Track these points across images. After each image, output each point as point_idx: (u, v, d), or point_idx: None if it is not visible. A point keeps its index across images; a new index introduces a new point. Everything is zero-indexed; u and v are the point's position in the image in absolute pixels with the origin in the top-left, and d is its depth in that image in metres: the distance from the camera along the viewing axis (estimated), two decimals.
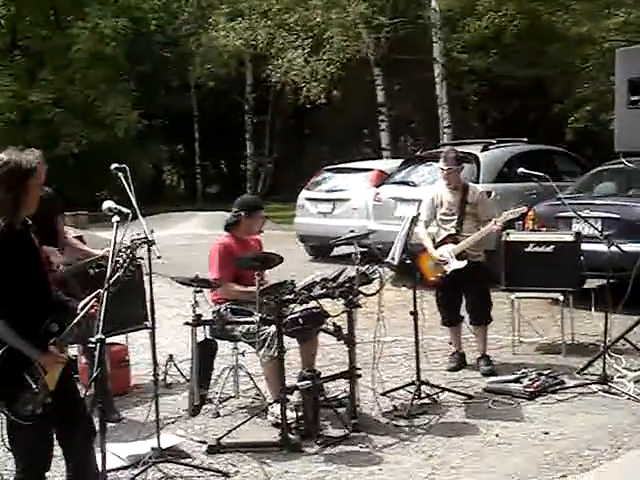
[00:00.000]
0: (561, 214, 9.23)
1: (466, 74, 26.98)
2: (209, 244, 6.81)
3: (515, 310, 7.98)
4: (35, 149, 6.19)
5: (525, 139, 12.61)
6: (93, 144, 23.64)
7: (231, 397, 6.52)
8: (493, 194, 10.76)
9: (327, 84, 22.04)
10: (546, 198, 9.71)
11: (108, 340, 6.80)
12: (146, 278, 6.99)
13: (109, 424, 6.12)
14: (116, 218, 4.00)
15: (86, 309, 4.06)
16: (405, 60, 24.09)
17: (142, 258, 7.39)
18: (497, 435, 5.70)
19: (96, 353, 3.57)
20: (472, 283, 7.24)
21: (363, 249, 7.81)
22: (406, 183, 11.70)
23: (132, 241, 4.84)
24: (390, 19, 21.99)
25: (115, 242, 3.96)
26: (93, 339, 3.59)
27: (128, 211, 4.16)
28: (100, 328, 3.64)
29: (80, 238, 7.06)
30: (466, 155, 11.28)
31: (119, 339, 7.23)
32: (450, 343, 7.66)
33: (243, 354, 6.50)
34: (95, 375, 3.56)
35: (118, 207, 4.06)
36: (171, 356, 7.31)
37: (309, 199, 14.16)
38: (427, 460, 5.32)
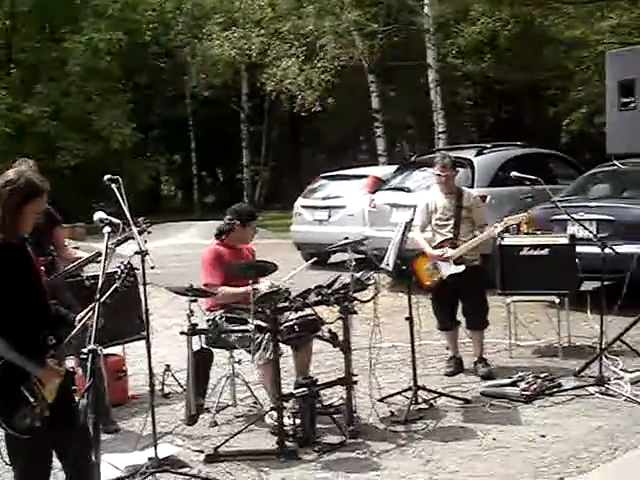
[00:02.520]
0: (556, 217, 9.24)
1: (461, 79, 27.07)
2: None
3: (511, 314, 7.98)
4: (29, 160, 6.26)
5: (519, 143, 12.64)
6: (90, 156, 23.68)
7: (228, 406, 6.54)
8: (488, 198, 10.78)
9: (321, 92, 22.10)
10: (541, 201, 9.73)
11: (105, 351, 6.88)
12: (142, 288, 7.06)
13: (107, 435, 6.19)
14: (107, 229, 4.01)
15: (83, 322, 4.07)
16: (399, 66, 24.19)
17: (137, 269, 7.44)
18: (494, 439, 5.70)
19: (88, 364, 3.56)
20: (468, 287, 7.25)
21: (360, 256, 7.84)
22: (401, 189, 11.72)
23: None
24: (383, 26, 22.07)
25: (106, 252, 3.96)
26: (85, 350, 3.58)
27: (118, 222, 4.18)
28: (93, 339, 3.63)
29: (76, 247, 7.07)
30: (461, 160, 11.36)
31: (116, 350, 7.24)
32: (447, 348, 7.67)
33: (239, 362, 6.51)
34: (88, 385, 3.55)
35: (109, 218, 4.08)
36: (168, 366, 7.30)
37: (305, 207, 14.17)
38: (425, 465, 5.32)
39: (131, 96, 28.98)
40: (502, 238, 7.83)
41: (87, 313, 4.09)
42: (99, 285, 3.83)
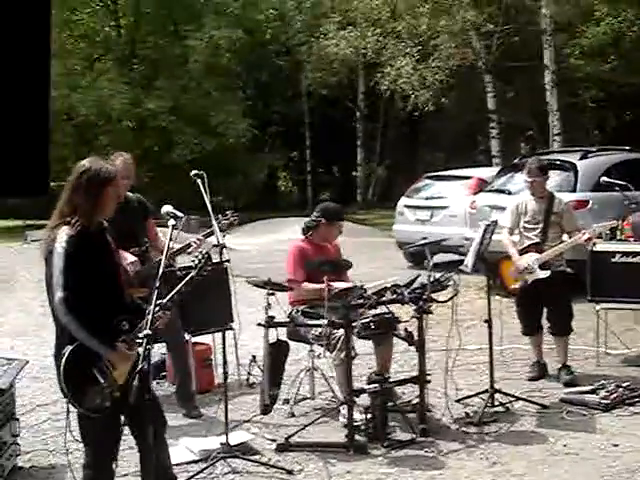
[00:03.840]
0: None
1: (583, 80, 26.47)
2: None
3: (601, 321, 7.86)
4: (125, 153, 6.58)
5: (627, 148, 12.33)
6: (206, 151, 24.34)
7: (307, 398, 6.70)
8: (590, 203, 10.60)
9: (435, 91, 22.05)
10: None
11: (193, 340, 7.17)
12: (232, 280, 7.31)
13: (190, 419, 6.46)
14: (172, 222, 4.23)
15: (153, 314, 4.27)
16: (518, 66, 23.85)
17: (229, 261, 7.72)
18: (565, 445, 5.67)
19: (141, 349, 3.76)
20: (553, 293, 7.18)
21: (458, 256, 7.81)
22: (502, 191, 11.63)
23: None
24: (501, 25, 21.84)
25: (169, 243, 4.18)
26: (141, 334, 3.79)
27: (182, 215, 4.39)
28: (149, 324, 3.84)
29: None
30: (564, 163, 11.21)
31: (206, 339, 7.51)
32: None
33: (319, 357, 6.65)
34: (140, 367, 3.76)
35: (174, 211, 4.30)
36: (254, 357, 7.51)
37: (408, 206, 14.21)
38: (490, 467, 5.35)
39: (251, 93, 29.66)
40: (594, 244, 7.71)
41: (157, 305, 4.31)
42: (159, 272, 4.01)
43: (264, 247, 17.63)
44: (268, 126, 33.10)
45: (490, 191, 12.05)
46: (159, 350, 7.38)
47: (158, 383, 7.39)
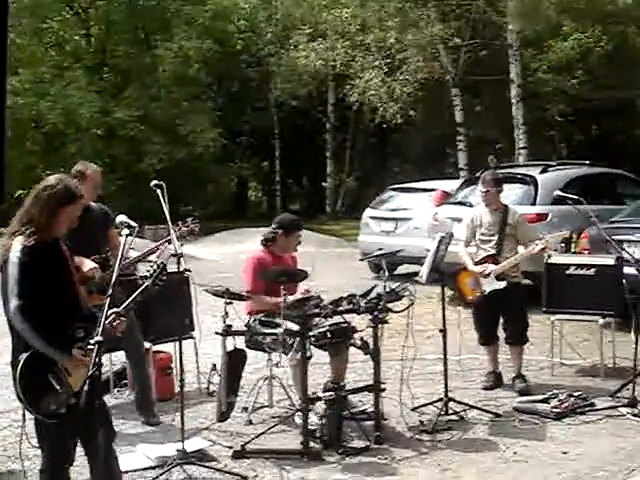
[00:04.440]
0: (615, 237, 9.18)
1: (551, 95, 26.81)
2: None
3: (556, 332, 8.02)
4: (88, 163, 6.65)
5: (587, 162, 12.56)
6: (175, 160, 24.38)
7: (265, 406, 6.79)
8: (550, 216, 10.80)
9: (404, 104, 22.26)
10: (604, 222, 9.67)
11: (154, 348, 7.23)
12: (191, 289, 7.39)
13: (149, 427, 6.53)
14: (125, 231, 4.32)
15: (107, 321, 4.35)
16: (486, 80, 24.15)
17: (189, 270, 7.78)
18: (515, 453, 5.81)
19: (93, 355, 3.84)
20: (509, 303, 7.34)
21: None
22: (464, 203, 11.79)
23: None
24: (468, 40, 22.11)
25: (122, 253, 4.27)
26: (92, 341, 3.87)
27: (135, 225, 4.48)
28: (100, 332, 3.92)
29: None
30: (524, 177, 11.42)
31: (166, 347, 7.56)
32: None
33: (277, 365, 6.74)
34: (90, 374, 3.83)
35: (128, 221, 4.39)
36: (214, 365, 7.58)
37: (373, 217, 14.37)
38: (441, 473, 5.48)
39: (221, 103, 29.71)
40: (549, 256, 7.89)
41: (111, 315, 4.38)
42: (112, 281, 4.10)
43: (231, 256, 17.68)
44: (238, 136, 33.22)
45: (452, 203, 12.22)
46: (120, 358, 7.43)
47: (119, 391, 7.44)
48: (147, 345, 7.11)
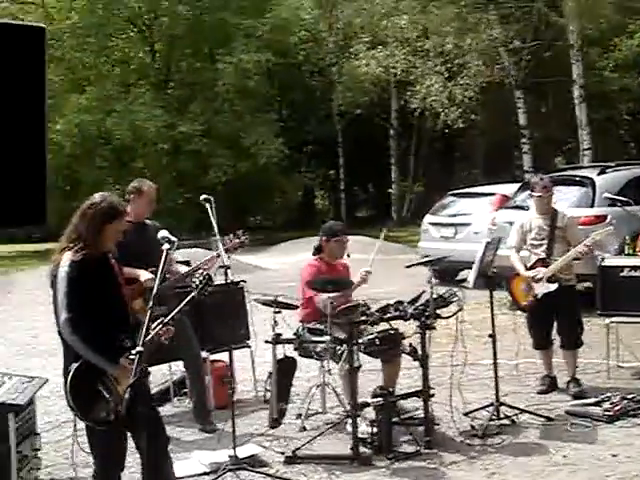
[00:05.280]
0: None
1: (617, 93, 26.46)
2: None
3: (611, 335, 7.96)
4: (146, 180, 6.89)
5: None
6: (240, 172, 24.74)
7: (318, 413, 6.91)
8: (609, 218, 10.68)
9: (465, 108, 22.22)
10: None
11: (211, 357, 7.41)
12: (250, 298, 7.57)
13: (205, 434, 6.70)
14: (166, 246, 4.50)
15: (153, 332, 4.53)
16: (550, 81, 23.94)
17: (244, 281, 7.96)
18: (565, 456, 5.81)
19: (134, 365, 4.01)
20: (563, 307, 7.33)
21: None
22: (521, 207, 11.73)
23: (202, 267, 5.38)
24: (530, 42, 21.96)
25: (163, 266, 4.44)
26: (134, 351, 4.04)
27: (175, 240, 4.65)
28: (141, 343, 4.09)
29: (187, 263, 7.59)
30: (582, 179, 11.33)
31: (224, 357, 7.73)
32: None
33: (330, 372, 6.86)
34: (131, 382, 4.01)
35: (168, 236, 4.57)
36: (271, 373, 7.73)
37: (432, 223, 14.40)
38: (488, 477, 5.52)
39: (285, 114, 30.06)
40: (602, 259, 7.85)
41: (157, 325, 4.57)
42: (153, 292, 4.26)
43: (296, 265, 17.83)
44: (304, 146, 33.53)
45: (510, 207, 12.18)
46: (180, 367, 7.63)
47: (179, 399, 7.64)
48: (204, 354, 7.30)
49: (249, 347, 7.81)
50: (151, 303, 4.22)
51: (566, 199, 11.28)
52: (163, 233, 4.57)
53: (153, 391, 7.58)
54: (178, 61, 26.45)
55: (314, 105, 31.47)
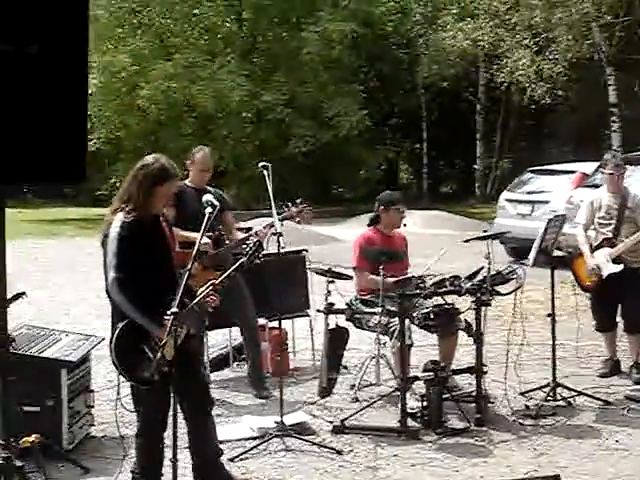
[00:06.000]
0: None
1: None
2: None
3: None
4: (205, 147, 6.96)
5: None
6: (321, 143, 24.71)
7: (372, 384, 6.89)
8: None
9: (553, 84, 21.72)
10: None
11: (270, 324, 7.47)
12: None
13: (259, 400, 6.78)
14: (209, 210, 4.52)
15: (201, 296, 4.58)
16: None
17: (306, 250, 7.97)
18: (617, 441, 5.68)
19: (168, 324, 4.06)
20: (628, 289, 7.12)
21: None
22: (599, 186, 11.40)
23: (255, 232, 5.42)
24: (623, 17, 21.29)
25: (204, 230, 4.46)
26: (169, 312, 4.08)
27: (217, 204, 4.67)
28: (177, 303, 4.13)
29: (249, 230, 7.64)
30: None
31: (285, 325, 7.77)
32: None
33: (384, 344, 6.83)
34: (164, 342, 4.06)
35: (212, 200, 4.58)
36: None
37: (509, 200, 14.16)
38: (535, 458, 5.43)
39: (372, 86, 29.84)
40: None
41: (207, 288, 4.61)
42: (193, 256, 4.29)
43: None
44: (389, 118, 33.28)
45: (588, 186, 11.87)
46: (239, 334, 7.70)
47: (238, 364, 7.73)
48: (263, 321, 7.36)
49: (308, 316, 7.84)
50: (190, 265, 4.24)
51: None
52: (207, 197, 4.59)
53: (213, 355, 7.73)
54: (264, 30, 26.47)
55: (400, 77, 31.15)
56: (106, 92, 24.72)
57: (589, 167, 13.99)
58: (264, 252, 7.08)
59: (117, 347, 4.43)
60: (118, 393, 4.61)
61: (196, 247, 4.31)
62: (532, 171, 14.90)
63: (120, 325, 4.44)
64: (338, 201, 29.67)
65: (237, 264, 4.88)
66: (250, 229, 7.94)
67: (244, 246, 5.03)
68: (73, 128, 3.45)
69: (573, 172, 13.88)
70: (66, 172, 3.48)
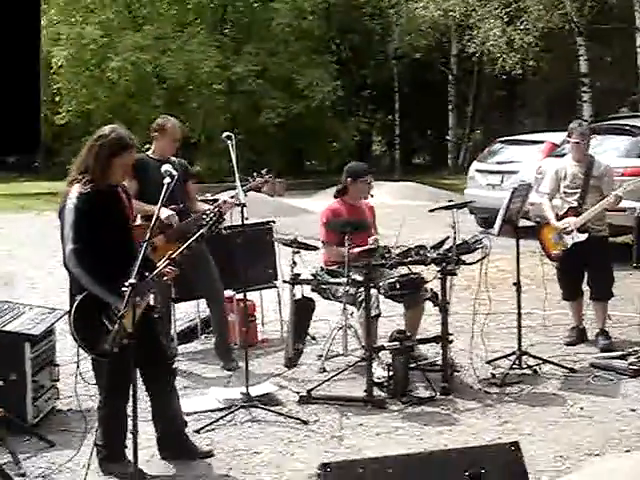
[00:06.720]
0: None
1: None
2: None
3: None
4: (173, 119, 6.86)
5: None
6: (292, 114, 24.59)
7: (340, 355, 6.89)
8: None
9: (525, 54, 21.71)
10: None
11: (238, 296, 7.43)
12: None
13: (226, 371, 6.75)
14: (167, 180, 4.46)
15: (159, 269, 4.54)
16: (614, 29, 23.24)
17: (274, 222, 7.93)
18: (581, 408, 5.72)
19: (126, 295, 4.01)
20: (593, 258, 7.16)
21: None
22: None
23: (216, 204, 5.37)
24: None
25: (163, 200, 4.41)
26: (126, 283, 4.03)
27: (176, 174, 4.61)
28: (135, 274, 4.09)
29: (215, 201, 7.58)
30: (634, 128, 11.01)
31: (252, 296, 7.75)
32: None
33: (352, 315, 6.82)
34: (121, 314, 4.01)
35: (170, 170, 4.52)
36: None
37: (479, 170, 14.16)
38: (500, 425, 5.46)
39: (344, 56, 29.69)
40: (638, 210, 7.62)
41: (165, 260, 4.57)
42: (151, 227, 4.24)
43: None
44: (361, 90, 33.15)
45: (556, 155, 11.88)
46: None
47: (206, 337, 7.70)
48: (230, 293, 7.33)
49: (276, 287, 7.82)
50: (148, 236, 4.19)
51: (614, 148, 10.99)
52: (165, 167, 4.53)
53: (181, 328, 7.70)
54: (234, 0, 26.21)
55: (373, 48, 31.03)
56: (75, 64, 24.40)
57: (558, 137, 13.98)
58: (231, 224, 7.11)
59: (76, 320, 4.40)
60: (78, 366, 4.56)
61: (154, 217, 4.26)
62: (502, 141, 14.89)
63: (78, 297, 4.39)
64: (310, 173, 29.61)
65: (196, 235, 4.83)
66: (216, 201, 7.90)
67: (204, 216, 4.98)
68: (24, 96, 3.36)
69: (542, 142, 13.89)
70: (19, 142, 3.40)
